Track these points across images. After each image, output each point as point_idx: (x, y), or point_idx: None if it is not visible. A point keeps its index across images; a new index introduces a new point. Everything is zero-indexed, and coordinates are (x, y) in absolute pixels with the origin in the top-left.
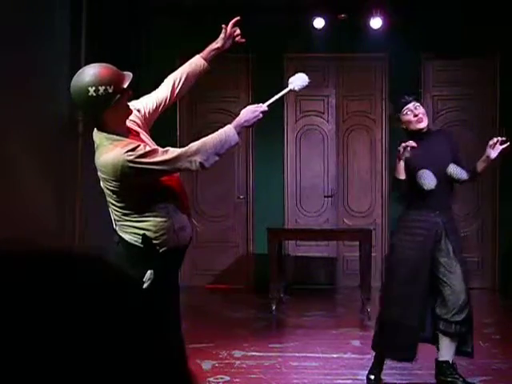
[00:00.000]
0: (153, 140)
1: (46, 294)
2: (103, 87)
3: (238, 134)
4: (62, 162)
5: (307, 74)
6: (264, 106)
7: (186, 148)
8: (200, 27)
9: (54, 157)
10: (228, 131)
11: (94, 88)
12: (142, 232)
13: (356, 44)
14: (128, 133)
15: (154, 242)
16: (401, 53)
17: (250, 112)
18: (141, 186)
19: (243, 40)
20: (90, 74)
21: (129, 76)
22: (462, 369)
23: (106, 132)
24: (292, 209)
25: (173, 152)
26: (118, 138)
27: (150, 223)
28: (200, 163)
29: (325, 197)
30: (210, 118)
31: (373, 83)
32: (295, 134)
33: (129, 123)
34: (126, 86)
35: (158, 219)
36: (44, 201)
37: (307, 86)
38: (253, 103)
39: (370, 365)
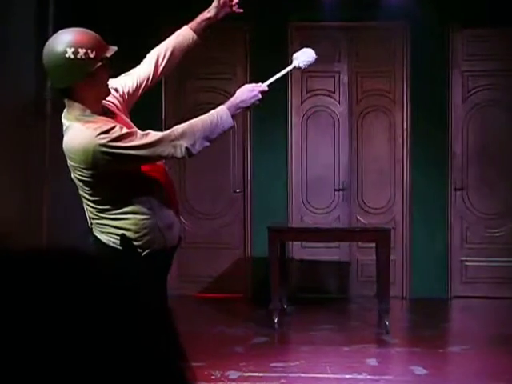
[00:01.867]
0: (133, 124)
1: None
2: (83, 50)
3: (233, 116)
4: (26, 147)
5: (314, 48)
6: (264, 86)
7: (170, 131)
8: None
9: (18, 141)
10: (221, 113)
11: (72, 49)
12: (120, 232)
13: (372, 11)
14: (103, 114)
15: (135, 243)
16: (424, 21)
17: (247, 91)
18: (118, 177)
19: (241, 10)
20: (70, 34)
21: (113, 48)
22: None
23: (77, 110)
24: (297, 204)
25: (154, 135)
26: (90, 117)
27: (130, 221)
28: (186, 148)
29: (335, 190)
30: (201, 98)
31: (392, 57)
32: (301, 117)
33: (105, 104)
34: (109, 54)
35: (139, 216)
36: (8, 190)
37: (314, 63)
38: (251, 82)
39: None
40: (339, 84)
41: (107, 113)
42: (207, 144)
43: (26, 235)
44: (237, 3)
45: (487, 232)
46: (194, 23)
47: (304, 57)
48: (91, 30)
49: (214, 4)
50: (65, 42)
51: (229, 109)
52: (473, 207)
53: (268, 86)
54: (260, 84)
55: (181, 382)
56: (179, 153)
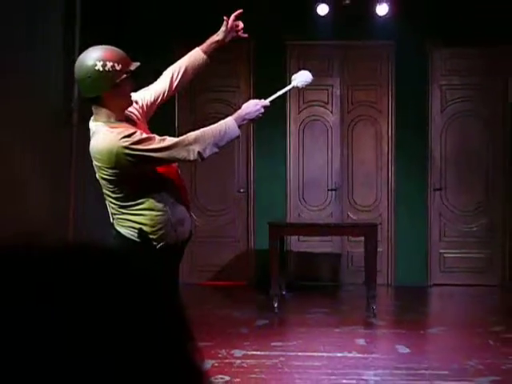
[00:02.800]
0: (151, 132)
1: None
2: (111, 63)
3: (239, 127)
4: (56, 151)
5: (310, 63)
6: (266, 102)
7: (184, 137)
8: (199, 12)
9: (48, 147)
10: (229, 123)
11: (101, 63)
12: (138, 226)
13: (361, 31)
14: (126, 122)
15: (151, 236)
16: (408, 40)
17: (252, 105)
18: (137, 177)
19: (245, 35)
20: (99, 50)
21: (136, 63)
22: (470, 369)
23: (103, 117)
24: (294, 203)
25: (170, 140)
26: (114, 123)
27: (147, 217)
28: (198, 153)
29: (328, 190)
30: (210, 109)
31: (379, 72)
32: (298, 125)
33: (127, 114)
34: (133, 68)
35: (155, 213)
36: (37, 192)
37: (310, 83)
38: (253, 93)
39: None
40: (332, 96)
41: (129, 121)
42: (216, 150)
43: (54, 232)
44: (242, 28)
45: (463, 227)
46: (204, 45)
47: (302, 78)
48: (114, 45)
49: (222, 28)
50: (95, 56)
51: (236, 120)
52: (450, 205)
53: (270, 102)
54: (263, 100)
55: (189, 359)
56: (192, 156)
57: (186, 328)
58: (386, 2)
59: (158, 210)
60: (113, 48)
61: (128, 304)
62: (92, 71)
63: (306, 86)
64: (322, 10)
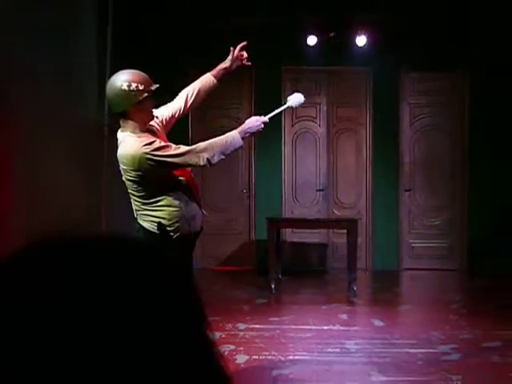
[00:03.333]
0: (169, 141)
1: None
2: (135, 84)
3: (242, 139)
4: (89, 158)
5: (301, 84)
6: (266, 118)
7: (196, 145)
8: (210, 44)
9: (84, 154)
10: (234, 135)
11: (127, 83)
12: (157, 220)
13: (344, 59)
14: (149, 132)
15: (168, 229)
16: (382, 66)
17: (254, 121)
18: (156, 178)
19: (249, 63)
20: (126, 73)
21: (156, 85)
22: (434, 338)
23: (129, 128)
24: (288, 201)
25: (184, 148)
26: (138, 133)
27: (165, 212)
28: (207, 159)
29: (317, 191)
30: (218, 122)
31: (358, 93)
32: (291, 136)
33: (150, 126)
34: (153, 88)
35: (172, 209)
36: (74, 193)
37: (303, 103)
38: (255, 110)
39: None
40: (320, 112)
41: (151, 132)
42: (223, 157)
43: (90, 226)
44: (246, 58)
45: (428, 221)
46: (214, 71)
47: (296, 99)
48: (139, 69)
49: (229, 57)
50: (122, 78)
51: (239, 133)
52: (417, 203)
53: (269, 118)
54: (263, 117)
55: (203, 332)
56: (202, 162)
57: (200, 306)
58: (364, 35)
59: (175, 207)
60: (138, 72)
61: (155, 286)
62: (119, 91)
63: (300, 106)
64: (312, 40)
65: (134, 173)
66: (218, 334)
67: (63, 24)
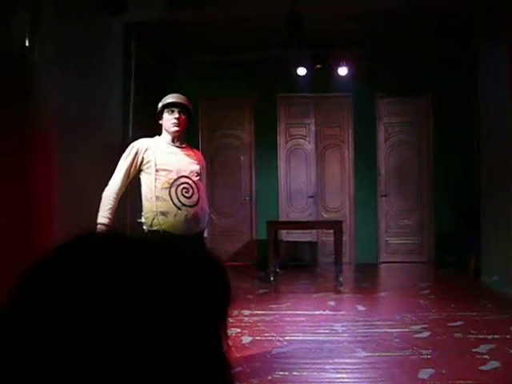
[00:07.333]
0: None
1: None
2: (160, 103)
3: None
4: (113, 171)
5: (294, 108)
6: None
7: (109, 189)
8: (216, 76)
9: (109, 167)
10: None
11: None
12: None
13: (328, 86)
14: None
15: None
16: (361, 92)
17: None
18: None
19: None
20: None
21: (168, 101)
22: (407, 319)
23: (162, 132)
24: (284, 206)
25: (115, 175)
26: (163, 136)
27: (144, 207)
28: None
29: (308, 197)
30: (223, 140)
31: (341, 115)
32: (286, 152)
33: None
34: (165, 103)
35: (146, 203)
36: (99, 198)
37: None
38: (255, 130)
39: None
40: (309, 131)
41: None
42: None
43: (117, 227)
44: None
45: (401, 222)
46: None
47: None
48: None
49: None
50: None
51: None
52: (392, 206)
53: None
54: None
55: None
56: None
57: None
58: (346, 66)
59: (146, 200)
60: (168, 95)
61: (186, 281)
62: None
63: None
64: (301, 71)
65: None
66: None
67: (92, 54)
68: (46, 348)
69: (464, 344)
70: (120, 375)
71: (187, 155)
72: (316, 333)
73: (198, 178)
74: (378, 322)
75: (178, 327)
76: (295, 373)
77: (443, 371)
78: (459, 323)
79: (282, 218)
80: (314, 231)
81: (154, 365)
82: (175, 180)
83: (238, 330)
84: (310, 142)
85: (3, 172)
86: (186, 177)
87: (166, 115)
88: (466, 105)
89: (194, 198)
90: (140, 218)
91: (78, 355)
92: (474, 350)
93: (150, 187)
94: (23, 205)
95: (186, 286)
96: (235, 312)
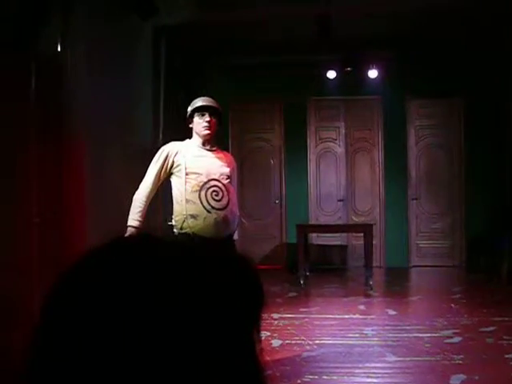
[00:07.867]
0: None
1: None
2: (190, 107)
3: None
4: (143, 174)
5: (323, 111)
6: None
7: (141, 191)
8: (246, 80)
9: (141, 170)
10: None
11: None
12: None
13: (358, 89)
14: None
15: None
16: (391, 95)
17: None
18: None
19: None
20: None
21: (197, 105)
22: (438, 324)
23: (193, 135)
24: (314, 210)
25: (146, 177)
26: (194, 140)
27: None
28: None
29: (338, 201)
30: (253, 143)
31: (371, 117)
32: (316, 155)
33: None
34: (194, 106)
35: (176, 206)
36: (131, 201)
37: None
38: (285, 133)
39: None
40: (339, 134)
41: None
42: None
43: (148, 229)
44: None
45: (432, 225)
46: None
47: None
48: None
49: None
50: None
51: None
52: (423, 210)
53: None
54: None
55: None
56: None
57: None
58: (376, 69)
59: (177, 203)
60: (198, 98)
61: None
62: (187, 112)
63: None
64: (331, 75)
65: None
66: None
67: (123, 58)
68: (80, 352)
69: (496, 350)
70: (157, 377)
71: (218, 158)
72: (346, 337)
73: (228, 180)
74: (408, 327)
75: (213, 330)
76: (325, 377)
77: (476, 377)
78: (491, 328)
79: (312, 222)
80: (344, 235)
81: (192, 367)
82: (205, 183)
83: (268, 334)
84: (339, 145)
85: (38, 174)
86: (216, 180)
87: (196, 119)
88: (498, 106)
89: (224, 200)
90: (170, 221)
91: (113, 359)
92: (507, 356)
93: (181, 190)
94: (57, 206)
95: (220, 288)
96: (264, 316)
